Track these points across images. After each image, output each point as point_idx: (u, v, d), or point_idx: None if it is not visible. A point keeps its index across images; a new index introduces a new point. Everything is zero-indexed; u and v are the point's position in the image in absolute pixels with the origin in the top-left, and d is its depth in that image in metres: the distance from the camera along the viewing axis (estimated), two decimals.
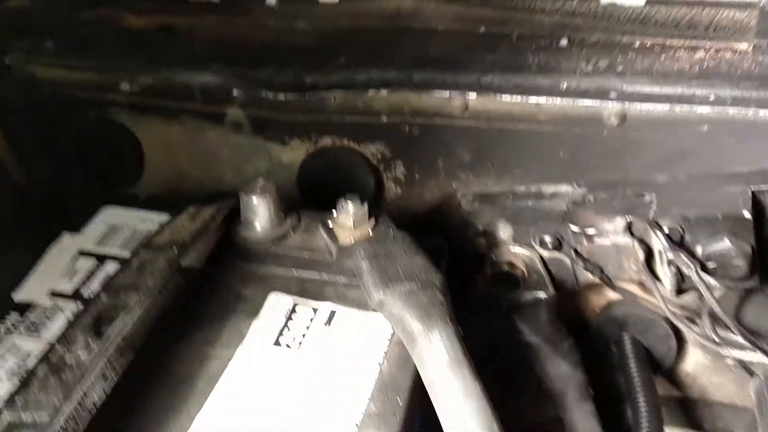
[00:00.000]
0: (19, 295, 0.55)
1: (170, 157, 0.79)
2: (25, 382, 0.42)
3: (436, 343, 0.46)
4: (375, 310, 0.55)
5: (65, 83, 0.77)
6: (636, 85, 0.63)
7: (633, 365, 0.69)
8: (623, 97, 0.62)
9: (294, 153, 0.76)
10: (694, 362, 0.74)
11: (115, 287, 0.48)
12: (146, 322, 0.49)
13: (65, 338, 0.44)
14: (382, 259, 0.52)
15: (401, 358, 0.51)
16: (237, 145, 0.77)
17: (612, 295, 0.74)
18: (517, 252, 0.67)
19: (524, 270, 0.66)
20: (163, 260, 0.50)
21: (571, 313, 0.74)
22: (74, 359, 0.43)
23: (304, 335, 0.53)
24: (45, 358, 0.43)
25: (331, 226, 0.58)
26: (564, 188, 0.69)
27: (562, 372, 0.67)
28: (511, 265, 0.67)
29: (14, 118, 0.75)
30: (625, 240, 0.63)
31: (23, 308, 0.54)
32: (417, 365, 0.47)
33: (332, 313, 0.54)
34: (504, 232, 0.68)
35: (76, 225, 0.72)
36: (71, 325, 0.45)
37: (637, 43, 0.65)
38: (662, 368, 0.73)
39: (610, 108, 0.63)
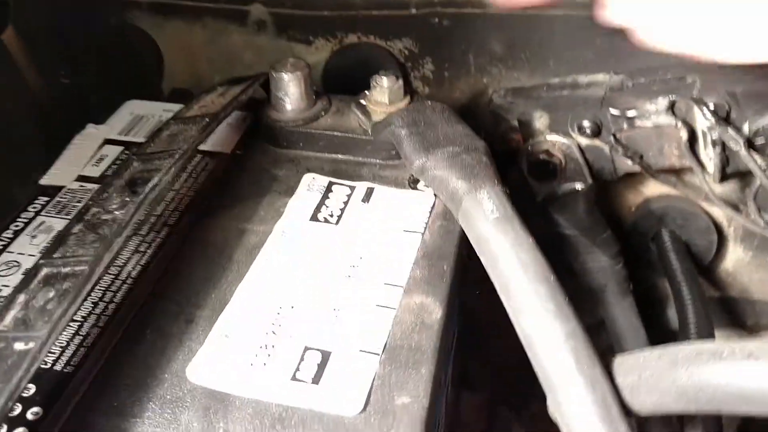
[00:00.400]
0: (46, 180, 0.53)
1: (191, 62, 0.77)
2: (61, 238, 0.40)
3: (483, 201, 0.44)
4: (413, 187, 0.53)
5: None
6: None
7: (675, 261, 0.67)
8: None
9: (319, 53, 0.74)
10: (735, 259, 0.72)
11: (147, 153, 0.47)
12: (176, 198, 0.47)
13: (99, 197, 0.42)
14: (421, 126, 0.50)
15: (444, 228, 0.49)
16: (260, 47, 0.74)
17: (648, 191, 0.72)
18: (554, 140, 0.64)
19: (561, 158, 0.64)
20: (195, 128, 0.48)
21: (606, 210, 0.72)
22: (110, 216, 0.41)
23: (342, 210, 0.51)
24: (79, 216, 0.41)
25: (364, 103, 0.56)
26: (601, 77, 0.66)
27: (602, 264, 0.66)
28: (548, 153, 0.65)
29: (32, 23, 0.73)
30: (668, 120, 0.61)
31: (51, 192, 0.52)
32: (463, 225, 0.45)
33: (369, 191, 0.52)
34: (540, 121, 0.65)
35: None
36: (103, 186, 0.43)
37: None
38: (702, 264, 0.71)
39: None
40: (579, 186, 0.64)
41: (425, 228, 0.49)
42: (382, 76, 0.54)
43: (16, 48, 0.73)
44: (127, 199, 0.42)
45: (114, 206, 0.42)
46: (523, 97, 0.68)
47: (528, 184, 0.66)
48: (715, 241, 0.69)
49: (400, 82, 0.55)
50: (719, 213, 0.69)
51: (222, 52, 0.75)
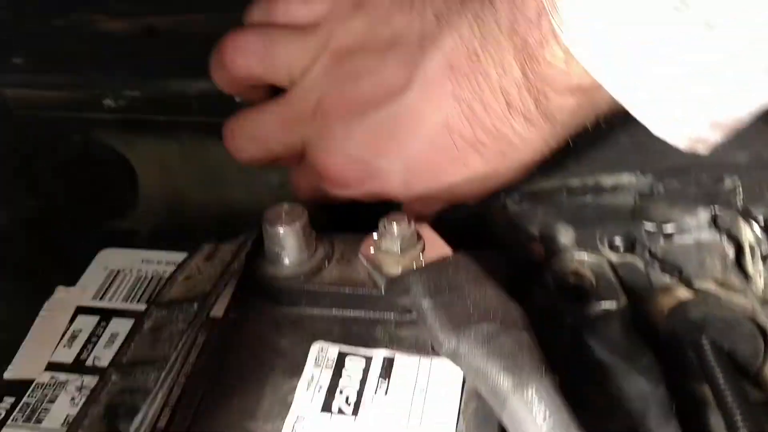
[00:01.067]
0: (12, 372, 0.46)
1: (168, 180, 0.70)
2: None
3: (533, 403, 0.37)
4: (438, 355, 0.46)
5: (41, 104, 0.67)
6: None
7: (719, 372, 0.61)
8: None
9: None
10: None
11: (127, 362, 0.39)
12: (170, 403, 0.39)
13: None
14: (445, 293, 0.43)
15: (481, 412, 0.42)
16: None
17: (682, 294, 0.65)
18: (583, 258, 0.58)
19: (592, 278, 0.58)
20: (182, 321, 0.41)
21: (634, 315, 0.65)
22: None
23: (358, 395, 0.44)
24: None
25: (372, 252, 0.49)
26: (626, 178, 0.60)
27: (642, 390, 0.59)
28: (577, 274, 0.58)
29: None
30: (711, 235, 0.55)
31: (18, 389, 0.45)
32: (508, 429, 0.38)
33: (388, 362, 0.45)
34: (565, 236, 0.59)
35: (69, 269, 0.64)
36: (78, 419, 0.36)
37: None
38: (748, 371, 0.65)
39: None
40: (612, 306, 0.58)
41: (459, 413, 0.42)
42: (392, 222, 0.47)
43: None
44: None
45: None
46: (542, 203, 0.62)
47: (554, 303, 0.60)
48: (761, 349, 0.63)
49: (413, 226, 0.48)
50: (765, 317, 0.62)
51: (203, 170, 0.68)
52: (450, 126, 0.48)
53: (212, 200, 0.70)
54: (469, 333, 0.41)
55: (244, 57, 0.55)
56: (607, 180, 0.61)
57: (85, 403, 0.37)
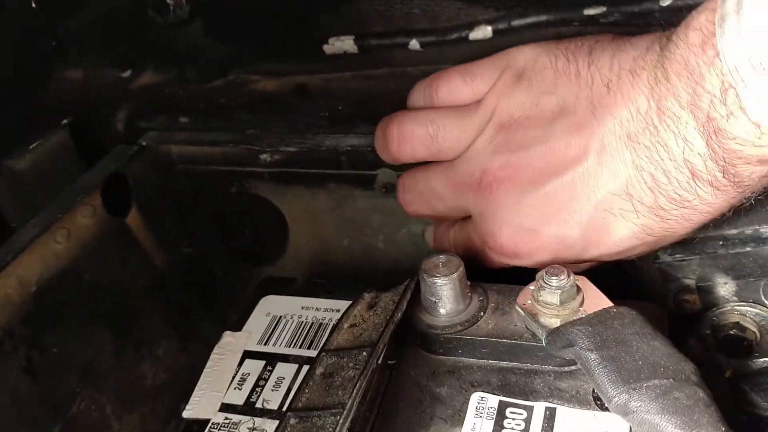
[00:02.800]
0: (190, 412, 0.49)
1: (316, 228, 0.73)
2: None
3: None
4: (599, 405, 0.45)
5: (202, 159, 0.72)
6: None
7: None
8: None
9: None
10: None
11: (303, 407, 0.41)
12: None
13: None
14: (612, 347, 0.43)
15: None
16: (389, 209, 0.69)
17: None
18: (746, 311, 0.56)
19: (756, 332, 0.55)
20: (353, 368, 0.42)
21: None
22: None
23: None
24: None
25: (530, 303, 0.49)
26: None
27: None
28: (739, 327, 0.56)
29: (152, 199, 0.71)
30: None
31: (197, 429, 0.47)
32: None
33: (550, 414, 0.45)
34: (724, 288, 0.57)
35: (225, 312, 0.67)
36: None
37: None
38: None
39: None
40: None
41: None
42: (551, 275, 0.48)
43: (139, 229, 0.71)
44: None
45: None
46: (697, 253, 0.60)
47: (713, 358, 0.57)
48: None
49: (572, 278, 0.48)
50: None
51: (348, 217, 0.71)
52: (630, 193, 0.47)
53: (356, 248, 0.73)
54: (640, 387, 0.40)
55: (411, 145, 0.57)
56: (767, 230, 0.58)
57: None
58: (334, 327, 0.48)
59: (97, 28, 0.70)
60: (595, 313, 0.46)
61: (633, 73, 0.47)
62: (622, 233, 0.49)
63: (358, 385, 0.40)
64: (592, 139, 0.48)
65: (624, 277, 0.65)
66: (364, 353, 0.43)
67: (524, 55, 0.55)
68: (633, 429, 0.42)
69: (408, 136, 0.57)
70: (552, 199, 0.50)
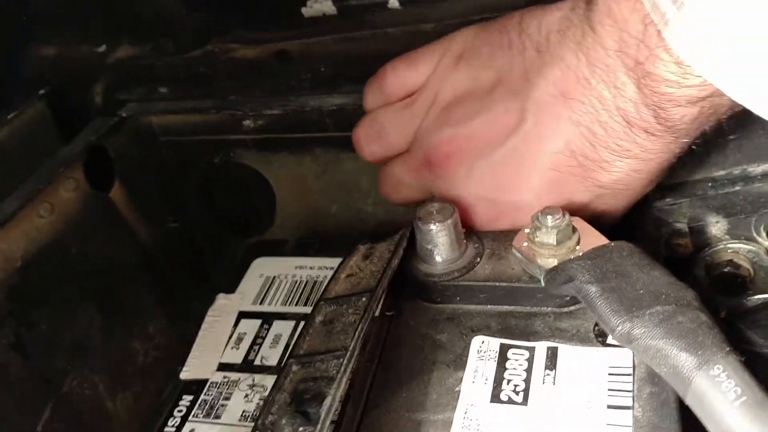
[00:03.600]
0: (187, 374, 0.48)
1: (304, 195, 0.72)
2: None
3: (720, 380, 0.36)
4: (602, 341, 0.45)
5: (184, 128, 0.71)
6: None
7: None
8: None
9: None
10: None
11: (305, 353, 0.41)
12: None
13: (265, 426, 0.36)
14: (613, 279, 0.43)
15: (656, 397, 0.41)
16: (374, 170, 0.69)
17: None
18: (738, 248, 0.56)
19: (750, 269, 0.55)
20: (351, 313, 0.42)
21: None
22: None
23: (526, 383, 0.43)
24: None
25: (526, 245, 0.48)
26: None
27: None
28: (733, 264, 0.56)
29: (135, 173, 0.70)
30: None
31: (195, 388, 0.47)
32: (695, 410, 0.37)
33: (552, 353, 0.45)
34: (716, 227, 0.57)
35: (217, 280, 0.66)
36: (267, 406, 0.37)
37: None
38: None
39: None
40: None
41: (633, 400, 0.41)
42: (546, 215, 0.47)
43: (123, 203, 0.70)
44: (301, 428, 0.35)
45: None
46: (686, 196, 0.60)
47: (707, 297, 0.57)
48: None
49: (568, 217, 0.47)
50: None
51: (336, 182, 0.70)
52: (572, 149, 0.48)
53: (345, 213, 0.72)
54: (643, 314, 0.40)
55: (367, 148, 0.60)
56: (755, 168, 0.59)
57: (271, 391, 0.39)
58: (331, 278, 0.47)
59: (68, 3, 0.69)
60: (593, 248, 0.45)
61: (560, 32, 0.48)
62: (573, 190, 0.50)
63: (359, 327, 0.40)
64: (528, 102, 0.49)
65: (616, 227, 0.65)
66: (364, 298, 0.43)
67: (463, 36, 0.56)
68: (637, 356, 0.42)
69: (361, 141, 0.60)
70: (501, 167, 0.51)
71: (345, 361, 0.38)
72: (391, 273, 0.46)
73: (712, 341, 0.38)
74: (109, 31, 0.73)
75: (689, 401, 0.37)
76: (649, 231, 0.61)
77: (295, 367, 0.40)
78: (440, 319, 0.49)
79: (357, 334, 0.39)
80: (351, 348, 0.39)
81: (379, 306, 0.45)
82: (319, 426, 0.35)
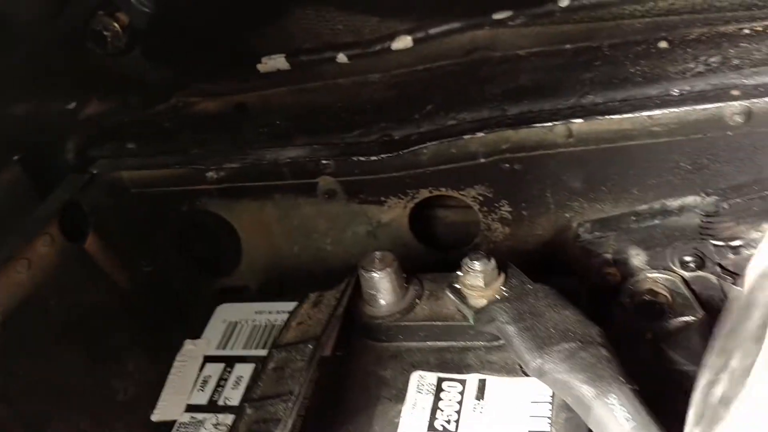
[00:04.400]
0: (158, 415, 0.53)
1: (267, 238, 0.77)
2: None
3: (615, 408, 0.41)
4: (527, 374, 0.51)
5: (153, 181, 0.76)
6: (758, 77, 0.57)
7: None
8: (747, 92, 0.57)
9: (392, 211, 0.73)
10: None
11: (258, 398, 0.46)
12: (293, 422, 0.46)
13: None
14: (528, 319, 0.48)
15: (571, 422, 0.47)
16: (333, 214, 0.74)
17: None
18: (657, 278, 0.62)
19: (667, 295, 0.61)
20: (299, 359, 0.47)
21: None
22: None
23: (458, 413, 0.49)
24: None
25: (458, 287, 0.54)
26: (691, 199, 0.63)
27: None
28: (652, 292, 0.62)
29: (109, 224, 0.75)
30: None
31: (163, 429, 0.52)
32: None
33: (482, 384, 0.50)
34: (637, 259, 0.63)
35: (188, 322, 0.71)
36: None
37: (747, 30, 0.60)
38: None
39: (733, 107, 0.57)
40: (690, 319, 0.61)
41: (551, 426, 0.47)
42: (474, 260, 0.53)
43: (98, 252, 0.74)
44: None
45: None
46: (612, 229, 0.66)
47: (633, 322, 0.63)
48: None
49: (493, 262, 0.53)
50: None
51: (296, 225, 0.75)
52: None
53: (305, 253, 0.77)
54: (552, 351, 0.45)
55: None
56: (673, 202, 0.64)
57: None
58: (284, 326, 0.52)
59: (35, 64, 0.73)
60: (514, 291, 0.51)
61: None
62: None
63: (304, 373, 0.45)
64: None
65: (550, 261, 0.70)
66: (310, 346, 0.48)
67: None
68: (549, 387, 0.47)
69: None
70: None
71: (291, 404, 0.43)
72: (335, 320, 0.51)
73: (610, 374, 0.43)
74: (78, 89, 0.78)
75: (591, 426, 0.43)
76: (582, 262, 0.67)
77: (249, 410, 0.45)
78: (385, 357, 0.55)
79: (302, 379, 0.44)
80: (297, 392, 0.44)
81: (325, 348, 0.50)
82: None
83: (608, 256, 0.65)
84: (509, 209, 0.70)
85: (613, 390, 0.42)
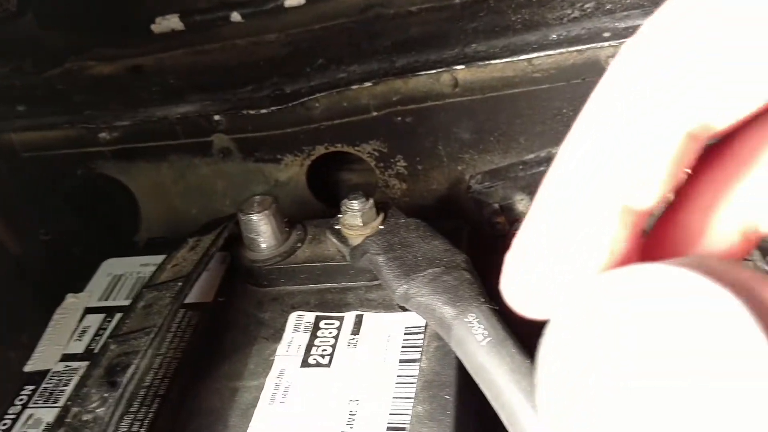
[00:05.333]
0: (31, 366, 0.52)
1: (164, 200, 0.76)
2: None
3: (473, 325, 0.42)
4: (403, 309, 0.51)
5: (44, 144, 0.74)
6: (628, 20, 0.59)
7: None
8: (617, 34, 0.59)
9: (289, 169, 0.73)
10: None
11: (123, 333, 0.45)
12: (164, 363, 0.45)
13: (78, 395, 0.41)
14: (398, 249, 0.49)
15: (441, 350, 0.47)
16: (229, 173, 0.74)
17: None
18: None
19: None
20: (168, 296, 0.47)
21: None
22: (91, 415, 0.39)
23: (333, 348, 0.49)
24: (59, 421, 0.40)
25: (339, 228, 0.54)
26: None
27: None
28: None
29: (1, 190, 0.73)
30: None
31: (36, 378, 0.50)
32: (457, 353, 0.43)
33: (358, 320, 0.51)
34: (522, 204, 0.64)
35: (81, 284, 0.70)
36: (82, 380, 0.42)
37: None
38: None
39: (607, 49, 0.59)
40: None
41: (421, 354, 0.47)
42: (352, 200, 0.53)
43: None
44: (106, 394, 0.40)
45: (94, 404, 0.40)
46: (501, 179, 0.67)
47: None
48: None
49: (371, 201, 0.53)
50: None
51: (193, 186, 0.74)
52: None
53: (204, 215, 0.76)
54: (417, 277, 0.46)
55: None
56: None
57: (88, 368, 0.43)
58: (158, 268, 0.52)
59: None
60: (386, 224, 0.51)
61: None
62: None
63: (169, 307, 0.44)
64: None
65: (448, 212, 0.71)
66: (180, 283, 0.47)
67: None
68: (415, 312, 0.48)
69: None
70: None
71: (153, 335, 0.43)
72: (207, 260, 0.50)
73: (470, 294, 0.44)
74: None
75: (453, 346, 0.44)
76: (472, 212, 0.68)
77: (112, 346, 0.44)
78: (266, 301, 0.54)
79: (167, 311, 0.44)
80: (160, 325, 0.43)
81: (211, 295, 0.50)
82: (120, 390, 0.40)
83: (496, 205, 0.66)
84: (405, 164, 0.71)
85: (471, 309, 0.43)
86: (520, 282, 0.20)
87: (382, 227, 0.53)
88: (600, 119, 0.19)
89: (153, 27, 0.73)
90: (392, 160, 0.71)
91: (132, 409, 0.46)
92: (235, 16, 0.72)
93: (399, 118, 0.68)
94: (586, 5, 0.61)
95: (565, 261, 0.19)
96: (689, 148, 0.18)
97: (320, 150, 0.71)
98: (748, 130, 0.20)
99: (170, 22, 0.73)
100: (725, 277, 0.16)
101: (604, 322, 0.17)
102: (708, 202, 0.20)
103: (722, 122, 0.18)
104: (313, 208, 0.74)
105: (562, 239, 0.20)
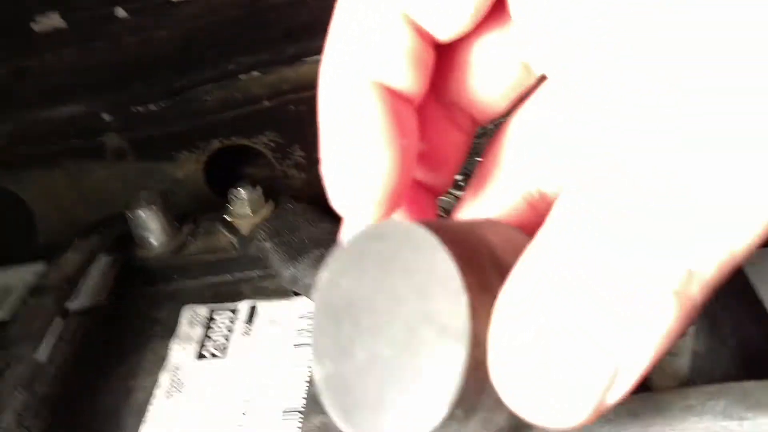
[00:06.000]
0: None
1: (62, 208, 0.74)
2: None
3: None
4: (296, 294, 0.51)
5: None
6: None
7: None
8: None
9: (187, 166, 0.72)
10: None
11: (7, 341, 0.44)
12: (50, 369, 0.44)
13: None
14: (285, 234, 0.49)
15: None
16: (126, 175, 0.72)
17: None
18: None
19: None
20: (51, 300, 0.45)
21: None
22: None
23: (227, 339, 0.48)
24: None
25: (229, 219, 0.54)
26: None
27: None
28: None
29: None
30: None
31: None
32: None
33: (252, 310, 0.50)
34: None
35: None
36: None
37: None
38: None
39: None
40: None
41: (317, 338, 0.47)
42: (240, 189, 0.53)
43: None
44: None
45: None
46: None
47: None
48: None
49: (259, 189, 0.53)
50: None
51: (89, 190, 0.72)
52: None
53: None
54: (303, 259, 0.46)
55: None
56: None
57: None
58: (43, 274, 0.50)
59: None
60: (275, 212, 0.51)
61: None
62: None
63: (53, 312, 0.43)
64: None
65: None
66: (65, 286, 0.46)
67: None
68: (304, 295, 0.48)
69: None
70: None
71: (32, 341, 0.41)
72: (89, 260, 0.49)
73: None
74: None
75: None
76: None
77: None
78: (161, 298, 0.54)
79: (52, 316, 0.43)
80: (39, 330, 0.42)
81: (104, 297, 0.49)
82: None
83: None
84: (302, 153, 0.71)
85: None
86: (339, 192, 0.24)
87: (272, 215, 0.52)
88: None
89: (33, 26, 0.71)
90: (289, 150, 0.70)
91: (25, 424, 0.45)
92: (120, 12, 0.71)
93: (292, 107, 0.67)
94: None
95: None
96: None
97: (216, 144, 0.70)
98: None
99: (52, 20, 0.71)
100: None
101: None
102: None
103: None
104: (214, 207, 0.73)
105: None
